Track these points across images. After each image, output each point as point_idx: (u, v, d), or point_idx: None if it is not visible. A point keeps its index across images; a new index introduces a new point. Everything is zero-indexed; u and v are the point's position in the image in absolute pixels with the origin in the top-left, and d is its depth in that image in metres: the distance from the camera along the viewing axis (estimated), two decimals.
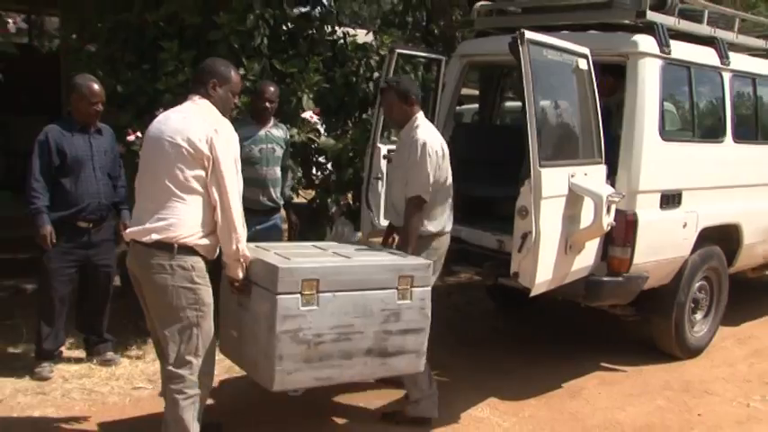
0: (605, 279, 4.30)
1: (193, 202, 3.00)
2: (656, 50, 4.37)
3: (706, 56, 4.84)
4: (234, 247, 3.04)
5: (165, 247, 2.98)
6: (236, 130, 3.15)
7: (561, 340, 5.38)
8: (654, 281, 4.52)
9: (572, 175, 3.88)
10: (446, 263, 4.86)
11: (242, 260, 3.09)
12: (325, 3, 5.37)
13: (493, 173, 5.01)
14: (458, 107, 6.26)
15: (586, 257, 4.14)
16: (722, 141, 4.98)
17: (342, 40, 5.34)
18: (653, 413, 4.18)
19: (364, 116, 5.20)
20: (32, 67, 8.24)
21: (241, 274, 3.12)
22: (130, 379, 4.25)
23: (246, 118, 4.49)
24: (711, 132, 5.04)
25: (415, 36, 6.87)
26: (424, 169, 3.61)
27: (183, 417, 3.03)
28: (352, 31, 5.48)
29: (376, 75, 5.14)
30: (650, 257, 4.39)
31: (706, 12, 4.83)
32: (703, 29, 4.83)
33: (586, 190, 3.90)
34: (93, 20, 4.94)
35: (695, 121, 4.82)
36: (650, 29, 4.40)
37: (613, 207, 3.99)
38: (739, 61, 5.15)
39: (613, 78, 4.87)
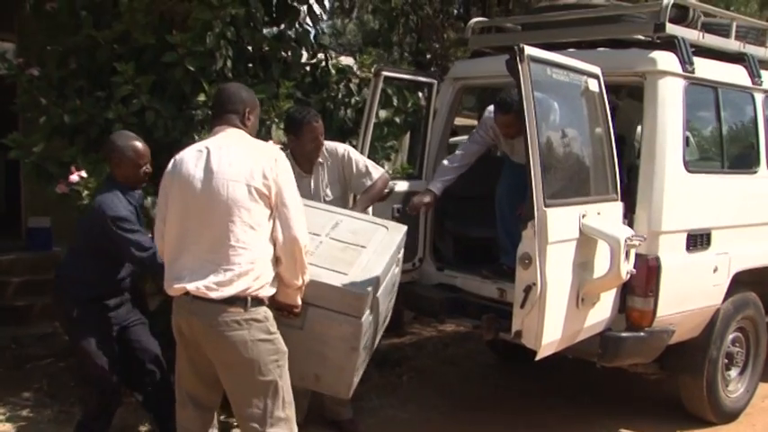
0: (624, 335, 3.73)
1: (261, 247, 2.77)
2: (678, 69, 3.84)
3: (735, 75, 4.29)
4: (300, 282, 2.89)
5: (238, 301, 2.74)
6: None
7: (574, 400, 4.74)
8: (681, 334, 3.94)
9: (583, 215, 3.37)
10: (439, 315, 4.39)
11: (303, 289, 2.95)
12: (303, 24, 4.81)
13: (491, 211, 4.45)
14: (453, 138, 5.71)
15: (602, 310, 3.60)
16: (756, 172, 4.40)
17: (324, 63, 4.82)
18: None
19: None
20: None
21: (300, 301, 2.96)
22: None
23: None
24: (743, 162, 4.47)
25: (404, 56, 6.38)
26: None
27: None
28: (334, 55, 4.96)
29: (355, 99, 4.63)
30: (676, 308, 3.83)
31: (734, 24, 4.28)
32: (731, 44, 4.29)
33: (601, 232, 3.38)
34: (43, 43, 4.45)
35: (724, 150, 4.26)
36: (670, 44, 3.87)
37: (633, 252, 3.44)
38: None
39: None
